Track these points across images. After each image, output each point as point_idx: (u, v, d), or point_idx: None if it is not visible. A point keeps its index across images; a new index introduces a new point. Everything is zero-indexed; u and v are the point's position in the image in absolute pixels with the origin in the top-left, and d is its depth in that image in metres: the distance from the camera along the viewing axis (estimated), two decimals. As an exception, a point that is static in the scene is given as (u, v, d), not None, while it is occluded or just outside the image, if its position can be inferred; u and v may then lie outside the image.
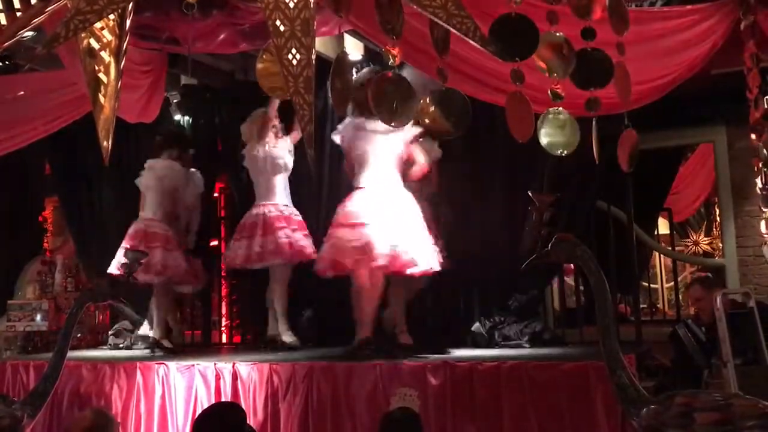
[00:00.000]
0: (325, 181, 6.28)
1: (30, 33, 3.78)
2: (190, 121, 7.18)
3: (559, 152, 3.54)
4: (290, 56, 2.67)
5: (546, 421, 4.26)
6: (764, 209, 4.84)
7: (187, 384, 5.10)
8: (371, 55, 5.95)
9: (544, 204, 4.73)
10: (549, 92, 3.40)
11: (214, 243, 7.13)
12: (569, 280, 7.53)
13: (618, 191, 5.59)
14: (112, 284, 4.52)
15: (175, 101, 6.98)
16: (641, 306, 7.17)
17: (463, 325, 5.84)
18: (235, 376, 4.97)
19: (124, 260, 5.83)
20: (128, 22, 3.13)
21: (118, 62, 3.14)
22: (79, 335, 6.62)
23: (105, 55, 3.11)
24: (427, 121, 5.29)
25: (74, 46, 3.12)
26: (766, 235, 4.92)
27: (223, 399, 4.88)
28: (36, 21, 3.36)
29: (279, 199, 5.93)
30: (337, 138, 5.45)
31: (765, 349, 4.56)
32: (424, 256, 5.02)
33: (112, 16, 3.01)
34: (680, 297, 8.39)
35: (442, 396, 4.45)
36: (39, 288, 7.55)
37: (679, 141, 7.37)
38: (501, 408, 4.35)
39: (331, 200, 5.81)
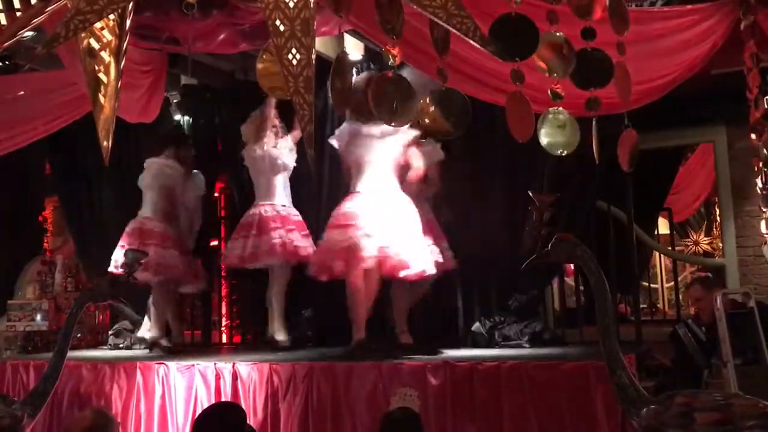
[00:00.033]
0: (325, 181, 6.28)
1: (30, 33, 3.78)
2: (190, 121, 7.18)
3: (559, 152, 3.54)
4: (290, 56, 2.67)
5: (546, 421, 4.26)
6: (764, 209, 4.84)
7: (187, 384, 5.10)
8: (371, 55, 5.95)
9: (544, 204, 4.74)
10: (549, 92, 3.40)
11: (214, 243, 7.13)
12: (569, 281, 7.53)
13: (618, 191, 5.59)
14: (112, 284, 4.52)
15: (175, 101, 6.98)
16: (641, 306, 7.17)
17: (463, 325, 5.85)
18: (235, 376, 4.97)
19: (122, 260, 5.86)
20: (128, 22, 3.13)
21: (118, 62, 3.14)
22: (79, 335, 6.62)
23: (105, 55, 3.10)
24: (427, 121, 5.34)
25: (74, 46, 3.12)
26: (766, 235, 4.92)
27: (223, 399, 4.88)
28: (36, 21, 3.36)
29: (278, 199, 5.93)
30: (334, 143, 5.48)
31: (765, 349, 4.56)
32: (418, 259, 5.03)
33: (112, 16, 3.00)
34: (680, 297, 8.40)
35: (442, 396, 4.45)
36: (39, 288, 7.56)
37: (679, 141, 7.37)
38: (501, 408, 4.35)
39: (331, 200, 5.82)
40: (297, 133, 5.86)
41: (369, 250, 4.95)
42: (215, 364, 5.08)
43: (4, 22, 3.68)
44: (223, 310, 7.42)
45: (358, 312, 5.12)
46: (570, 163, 4.84)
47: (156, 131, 6.55)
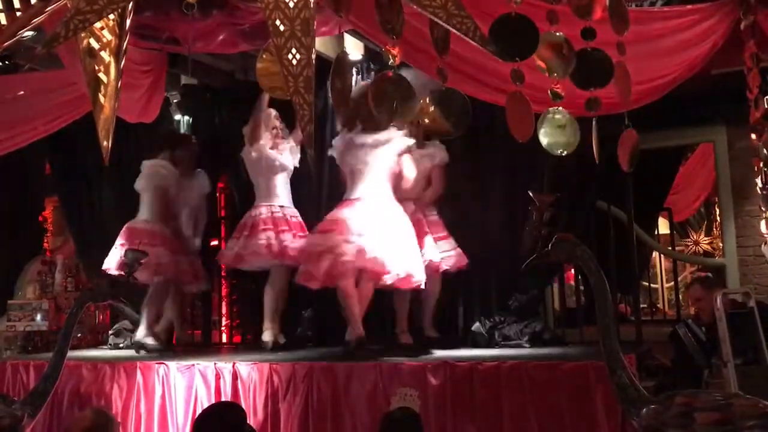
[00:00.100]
0: (325, 181, 6.28)
1: (30, 33, 3.78)
2: (190, 121, 7.18)
3: (559, 152, 3.54)
4: (290, 56, 2.67)
5: (546, 421, 4.25)
6: (764, 209, 4.83)
7: (187, 384, 5.09)
8: (371, 55, 5.95)
9: (544, 204, 4.73)
10: (549, 92, 3.40)
11: (214, 243, 7.13)
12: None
13: (618, 191, 5.59)
14: (112, 284, 4.53)
15: (175, 101, 6.98)
16: (641, 306, 7.17)
17: (463, 325, 5.85)
18: (235, 376, 4.97)
19: (116, 264, 5.88)
20: (128, 21, 3.13)
21: (118, 62, 3.14)
22: (79, 335, 6.62)
23: (105, 54, 3.11)
24: (427, 121, 5.35)
25: (74, 46, 3.12)
26: (766, 235, 4.91)
27: (223, 399, 4.88)
28: (36, 21, 3.36)
29: (278, 200, 5.92)
30: (332, 153, 5.55)
31: (765, 349, 4.56)
32: (400, 265, 5.03)
33: (112, 16, 3.01)
34: (680, 297, 8.39)
35: (442, 396, 4.45)
36: (39, 288, 7.56)
37: (679, 141, 7.37)
38: (501, 408, 4.35)
39: (331, 200, 5.82)
40: (298, 135, 5.86)
41: (349, 254, 5.00)
42: (215, 363, 5.08)
43: (4, 22, 3.68)
44: (223, 310, 7.41)
45: (353, 312, 5.13)
46: (570, 163, 4.84)
47: (156, 131, 6.56)
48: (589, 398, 4.17)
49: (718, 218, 7.95)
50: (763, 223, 4.90)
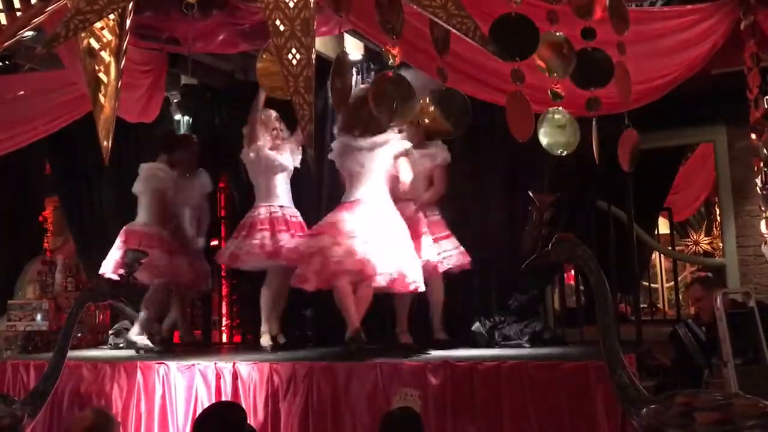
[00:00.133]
0: (325, 181, 6.28)
1: (30, 33, 3.78)
2: (190, 121, 7.18)
3: (559, 152, 3.54)
4: (290, 56, 2.68)
5: (546, 421, 4.25)
6: (764, 209, 4.83)
7: (187, 384, 5.10)
8: (371, 55, 5.95)
9: (544, 204, 4.72)
10: (549, 92, 3.41)
11: (214, 243, 7.13)
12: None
13: (618, 191, 5.58)
14: (113, 284, 4.52)
15: (175, 101, 6.98)
16: (641, 306, 7.17)
17: (463, 325, 5.84)
18: (235, 376, 4.97)
19: (120, 261, 5.87)
20: (128, 21, 3.13)
21: (118, 62, 3.15)
22: (79, 335, 6.62)
23: (105, 54, 3.11)
24: (427, 121, 5.35)
25: (74, 46, 3.13)
26: (766, 235, 4.91)
27: (223, 398, 4.88)
28: (36, 21, 3.37)
29: (277, 201, 5.91)
30: (331, 156, 5.57)
31: (765, 349, 4.56)
32: (396, 268, 5.03)
33: (112, 16, 3.01)
34: (680, 297, 8.39)
35: (442, 396, 4.45)
36: (39, 288, 7.56)
37: (679, 141, 7.37)
38: (501, 408, 4.35)
39: (331, 200, 5.82)
40: (299, 136, 5.85)
41: (337, 256, 5.02)
42: (215, 363, 5.08)
43: (4, 22, 3.68)
44: (224, 310, 7.41)
45: (348, 310, 5.13)
46: (570, 163, 4.83)
47: (156, 131, 6.56)
48: (589, 398, 4.17)
49: (718, 218, 7.95)
50: (763, 222, 4.90)
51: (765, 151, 4.70)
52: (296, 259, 5.37)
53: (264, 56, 4.10)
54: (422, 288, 5.18)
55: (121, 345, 6.58)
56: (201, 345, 6.86)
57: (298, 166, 6.04)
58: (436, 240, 5.49)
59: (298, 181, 6.12)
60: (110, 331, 6.84)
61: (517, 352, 5.06)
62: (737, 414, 3.04)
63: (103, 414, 3.61)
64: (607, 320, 3.45)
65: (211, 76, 6.59)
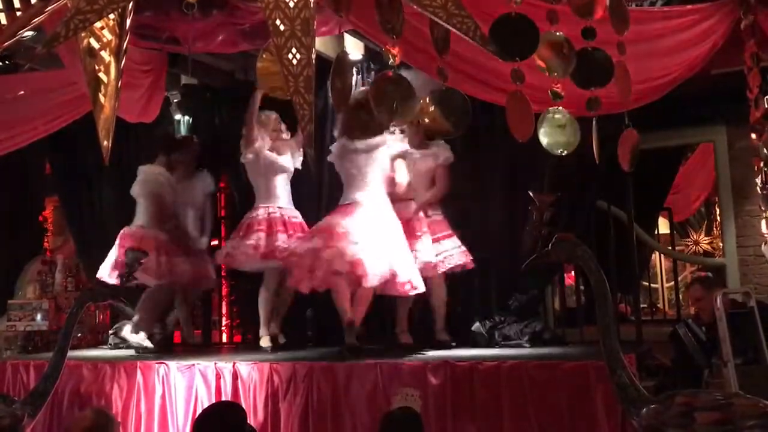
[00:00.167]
0: (325, 181, 6.27)
1: (30, 33, 3.78)
2: (190, 121, 7.18)
3: (559, 152, 3.54)
4: (290, 56, 2.68)
5: (546, 421, 4.25)
6: (764, 209, 4.84)
7: (187, 384, 5.10)
8: (371, 55, 5.95)
9: (544, 204, 4.74)
10: (549, 92, 3.41)
11: (215, 243, 7.13)
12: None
13: (618, 191, 5.58)
14: (111, 286, 4.53)
15: (175, 101, 6.97)
16: (641, 306, 7.17)
17: (463, 325, 5.84)
18: (235, 376, 4.97)
19: (119, 261, 5.88)
20: (128, 21, 3.13)
21: (118, 62, 3.15)
22: (79, 335, 6.62)
23: (105, 54, 3.11)
24: (427, 121, 5.35)
25: (74, 46, 3.12)
26: (766, 235, 4.92)
27: (223, 398, 4.88)
28: (36, 21, 3.36)
29: (277, 201, 5.91)
30: (331, 159, 5.59)
31: (765, 349, 4.56)
32: (388, 269, 5.04)
33: (112, 16, 3.01)
34: (680, 297, 8.39)
35: (443, 396, 4.45)
36: (39, 288, 7.56)
37: (679, 141, 7.37)
38: (501, 408, 4.35)
39: (331, 201, 5.82)
40: (300, 138, 5.85)
41: (327, 257, 5.03)
42: (215, 363, 5.08)
43: (4, 22, 3.68)
44: (224, 310, 7.41)
45: (343, 306, 5.17)
46: (570, 163, 4.83)
47: (156, 131, 6.56)
48: (589, 398, 4.17)
49: (718, 218, 7.95)
50: (763, 222, 4.90)
51: (765, 150, 4.70)
52: (289, 260, 5.37)
53: (264, 56, 4.11)
54: (419, 290, 5.18)
55: (122, 345, 6.58)
56: (200, 345, 6.86)
57: (299, 167, 6.04)
58: (437, 239, 5.48)
59: (298, 181, 6.12)
60: (110, 331, 6.83)
61: (517, 352, 5.06)
62: (737, 414, 3.04)
63: (103, 414, 3.60)
64: (607, 320, 3.45)
65: (211, 76, 6.59)
